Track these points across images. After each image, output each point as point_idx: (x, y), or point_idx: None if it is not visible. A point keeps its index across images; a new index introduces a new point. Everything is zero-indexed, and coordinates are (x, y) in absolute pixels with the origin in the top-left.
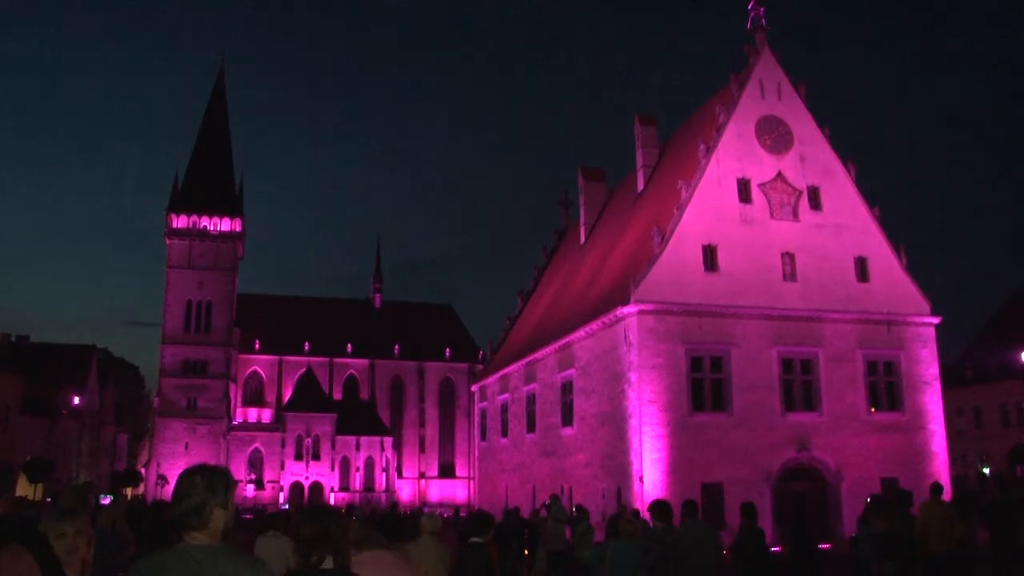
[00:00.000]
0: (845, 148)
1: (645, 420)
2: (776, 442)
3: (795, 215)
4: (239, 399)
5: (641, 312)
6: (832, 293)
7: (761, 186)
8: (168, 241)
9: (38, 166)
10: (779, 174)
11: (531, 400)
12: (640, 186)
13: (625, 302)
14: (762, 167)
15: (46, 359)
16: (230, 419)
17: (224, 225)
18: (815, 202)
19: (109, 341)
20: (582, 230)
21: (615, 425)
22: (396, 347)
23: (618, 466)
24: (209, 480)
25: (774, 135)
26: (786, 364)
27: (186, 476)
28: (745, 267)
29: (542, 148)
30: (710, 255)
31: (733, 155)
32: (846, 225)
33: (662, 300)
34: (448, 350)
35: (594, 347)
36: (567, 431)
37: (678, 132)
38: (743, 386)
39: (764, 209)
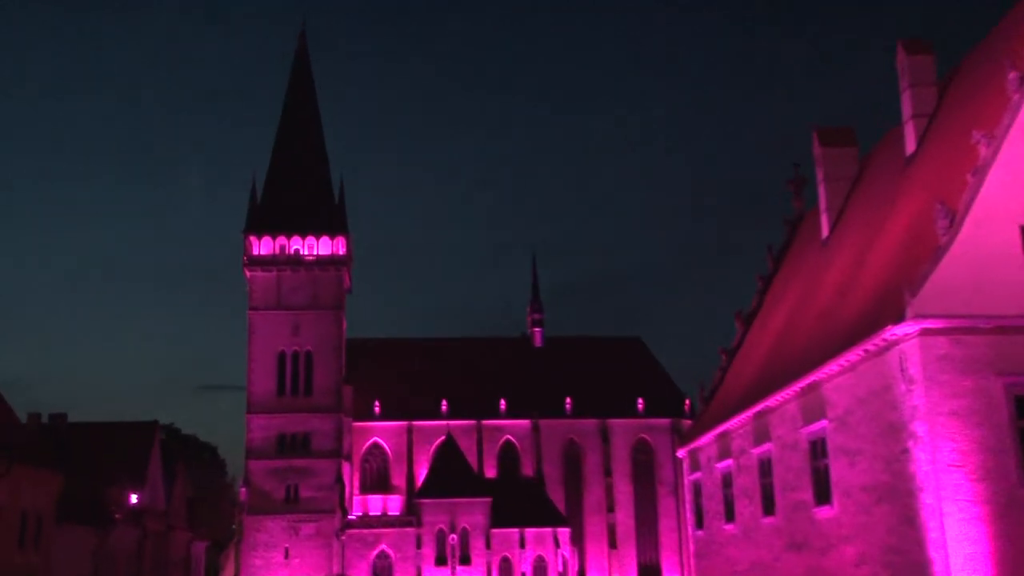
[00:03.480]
0: None
1: (947, 495)
2: None
3: None
4: (356, 484)
5: (925, 331)
6: None
7: None
8: (249, 273)
9: (64, 187)
10: None
11: (765, 467)
12: (910, 146)
13: (898, 318)
14: None
15: (91, 444)
16: (345, 512)
17: (323, 247)
18: None
19: (175, 414)
20: (823, 218)
21: (899, 502)
22: (568, 401)
23: (911, 566)
24: None
25: None
26: None
27: None
28: None
29: (756, 110)
30: None
31: None
32: None
33: (958, 312)
34: (641, 401)
35: (855, 387)
36: (824, 512)
37: (966, 63)
38: None
39: None
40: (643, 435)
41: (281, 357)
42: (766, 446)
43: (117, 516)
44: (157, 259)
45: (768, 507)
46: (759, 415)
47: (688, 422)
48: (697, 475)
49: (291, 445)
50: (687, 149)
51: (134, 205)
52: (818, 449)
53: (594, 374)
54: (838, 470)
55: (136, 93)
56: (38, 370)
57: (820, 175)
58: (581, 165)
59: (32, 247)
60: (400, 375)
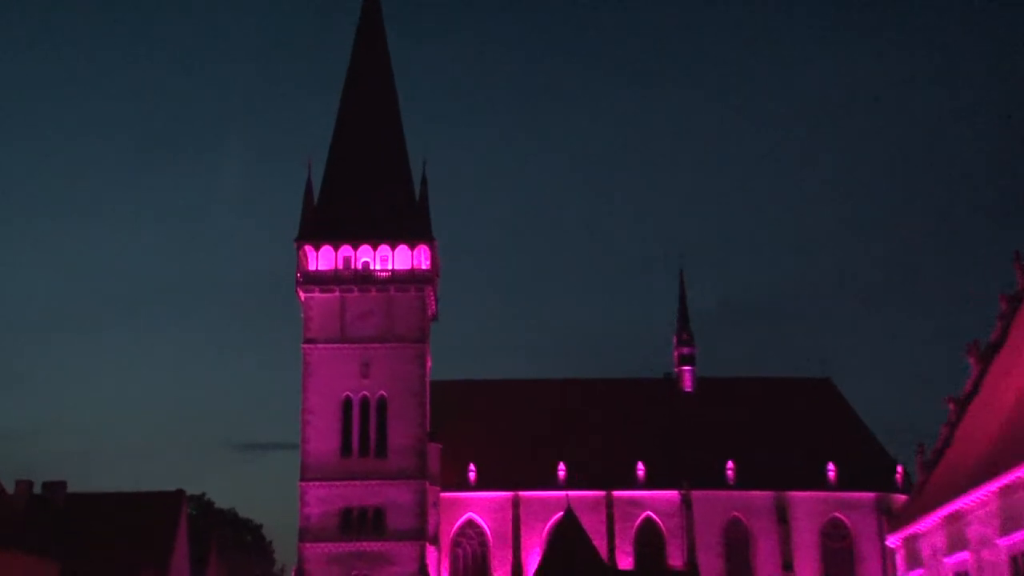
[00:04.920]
0: None
1: None
2: None
3: None
4: (445, 574)
5: None
6: None
7: None
8: (303, 295)
9: (58, 184)
10: None
11: (1021, 567)
12: None
13: None
14: None
15: (97, 521)
16: None
17: (401, 259)
18: None
19: (207, 482)
20: None
21: None
22: (730, 465)
23: None
24: None
25: None
26: None
27: None
28: None
29: (986, 68)
30: None
31: None
32: None
33: None
34: (833, 467)
35: None
36: None
37: None
38: None
39: None
40: (837, 514)
41: (346, 405)
42: (1020, 535)
43: None
44: (181, 278)
45: None
46: (1008, 491)
47: (901, 497)
48: (918, 573)
49: (359, 523)
50: (892, 127)
51: (149, 206)
52: None
53: (766, 429)
54: None
55: (156, 61)
56: (28, 424)
57: None
58: (742, 150)
59: (19, 263)
60: (503, 430)
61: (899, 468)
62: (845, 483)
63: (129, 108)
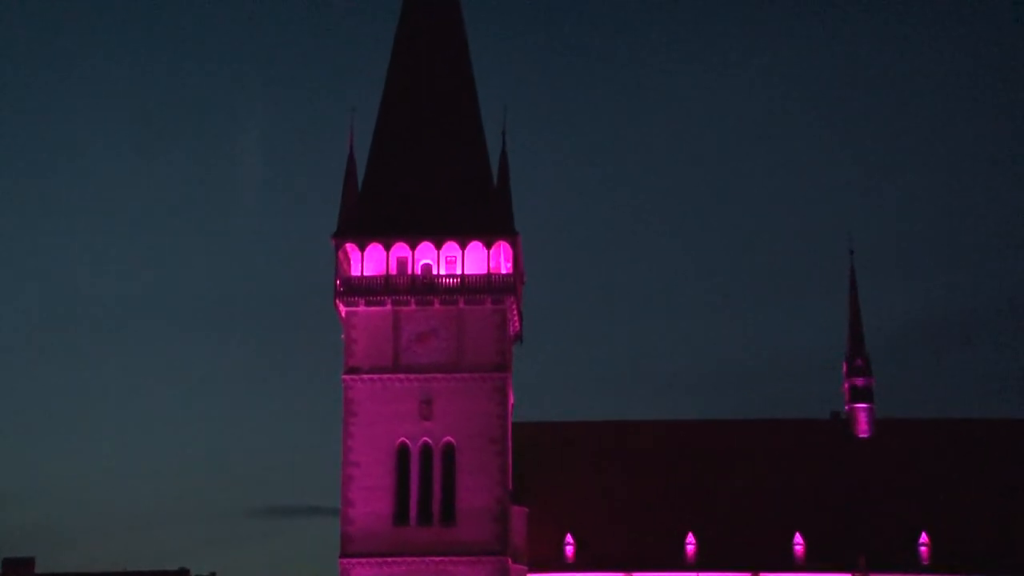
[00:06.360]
0: None
1: None
2: None
3: None
4: None
5: None
6: None
7: None
8: (344, 310)
9: (33, 181)
10: None
11: None
12: None
13: None
14: None
15: None
16: None
17: (473, 261)
18: None
19: (218, 559)
20: None
21: None
22: (923, 538)
23: None
24: None
25: None
26: None
27: None
28: None
29: None
30: None
31: None
32: None
33: None
34: None
35: None
36: None
37: None
38: None
39: None
40: None
41: (401, 456)
42: None
43: None
44: (185, 293)
45: None
46: None
47: None
48: None
49: None
50: None
51: (146, 205)
52: None
53: (973, 489)
54: None
55: (154, 39)
56: None
57: None
58: (929, 123)
59: None
60: (610, 489)
61: None
62: None
63: (123, 86)
